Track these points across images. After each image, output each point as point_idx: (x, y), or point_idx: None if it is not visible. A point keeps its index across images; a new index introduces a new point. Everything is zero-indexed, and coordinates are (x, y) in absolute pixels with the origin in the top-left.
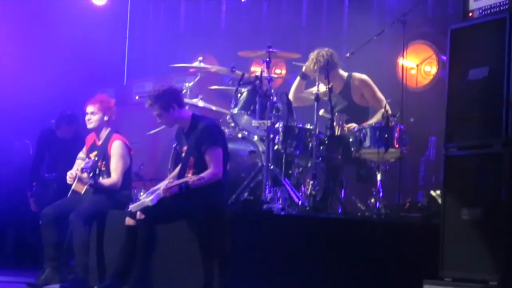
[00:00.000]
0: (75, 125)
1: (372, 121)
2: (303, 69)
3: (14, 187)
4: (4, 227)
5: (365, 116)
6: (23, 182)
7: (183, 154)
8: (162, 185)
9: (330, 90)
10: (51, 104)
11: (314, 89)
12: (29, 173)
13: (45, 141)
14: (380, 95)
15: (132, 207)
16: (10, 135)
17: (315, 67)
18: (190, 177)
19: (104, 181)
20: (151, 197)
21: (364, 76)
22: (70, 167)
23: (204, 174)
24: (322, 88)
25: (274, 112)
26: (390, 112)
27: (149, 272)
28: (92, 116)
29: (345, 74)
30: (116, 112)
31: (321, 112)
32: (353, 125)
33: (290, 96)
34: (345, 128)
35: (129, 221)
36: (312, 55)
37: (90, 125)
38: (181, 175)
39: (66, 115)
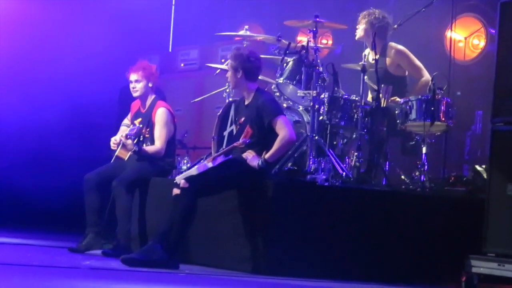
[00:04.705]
0: None
1: (416, 90)
2: (357, 38)
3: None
4: (49, 193)
5: (402, 85)
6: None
7: (238, 125)
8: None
9: (376, 61)
10: (97, 72)
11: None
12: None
13: (125, 97)
14: (417, 63)
15: (178, 178)
16: (59, 104)
17: (370, 31)
18: (237, 143)
19: (148, 148)
20: (196, 167)
21: (400, 47)
22: None
23: (277, 144)
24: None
25: (319, 82)
26: (431, 82)
27: (186, 240)
28: (137, 84)
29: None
30: (159, 78)
31: (365, 79)
32: (397, 99)
33: None
34: (390, 100)
35: (175, 191)
36: (364, 18)
37: (136, 94)
38: (230, 144)
39: None
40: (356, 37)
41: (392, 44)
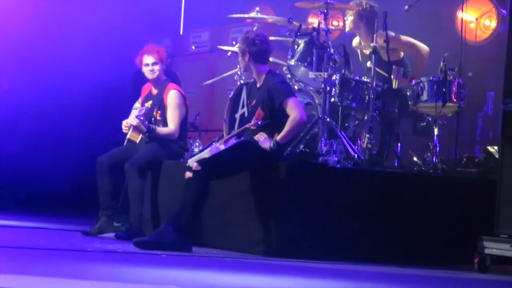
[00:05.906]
0: None
1: (420, 66)
2: (347, 30)
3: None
4: (62, 176)
5: (404, 68)
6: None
7: (250, 107)
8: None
9: (387, 42)
10: (108, 55)
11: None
12: None
13: (139, 81)
14: (409, 40)
15: (190, 161)
16: (71, 87)
17: (361, 22)
18: (249, 124)
19: (162, 130)
20: (208, 149)
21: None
22: None
23: (288, 125)
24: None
25: (331, 64)
26: (442, 63)
27: (198, 223)
28: (155, 66)
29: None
30: (171, 61)
31: (369, 65)
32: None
33: None
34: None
35: (188, 174)
36: (352, 10)
37: (153, 76)
38: (242, 126)
39: None
40: (346, 30)
41: (380, 32)
